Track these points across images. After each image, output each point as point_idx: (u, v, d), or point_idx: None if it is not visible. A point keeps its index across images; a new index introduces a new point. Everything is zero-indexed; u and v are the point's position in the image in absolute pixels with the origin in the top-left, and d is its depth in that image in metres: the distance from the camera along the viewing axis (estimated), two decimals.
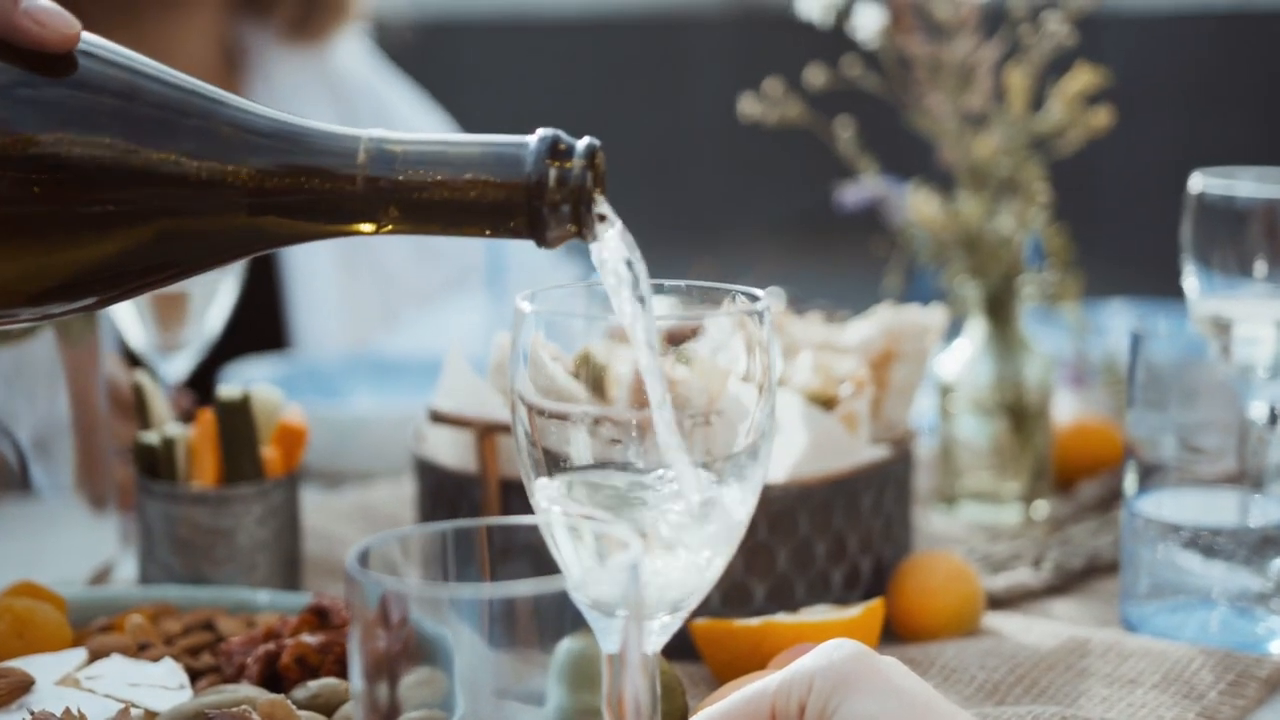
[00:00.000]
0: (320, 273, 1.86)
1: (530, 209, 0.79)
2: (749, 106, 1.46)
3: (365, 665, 0.65)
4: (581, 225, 0.79)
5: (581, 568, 0.73)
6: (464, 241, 1.90)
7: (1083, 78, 1.44)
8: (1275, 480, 1.19)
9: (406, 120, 1.97)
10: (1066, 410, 1.62)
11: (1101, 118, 1.45)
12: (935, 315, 1.31)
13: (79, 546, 1.19)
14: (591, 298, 0.87)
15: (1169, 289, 1.63)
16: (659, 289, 0.85)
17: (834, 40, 1.47)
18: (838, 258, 1.53)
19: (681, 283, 0.87)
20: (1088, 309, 1.76)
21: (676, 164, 5.65)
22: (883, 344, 1.27)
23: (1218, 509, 1.18)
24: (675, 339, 0.85)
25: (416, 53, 2.29)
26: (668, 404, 0.80)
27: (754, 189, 5.49)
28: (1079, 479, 1.51)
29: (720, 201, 5.60)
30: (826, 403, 1.20)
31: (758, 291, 0.84)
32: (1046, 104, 1.45)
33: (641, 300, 0.81)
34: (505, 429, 1.10)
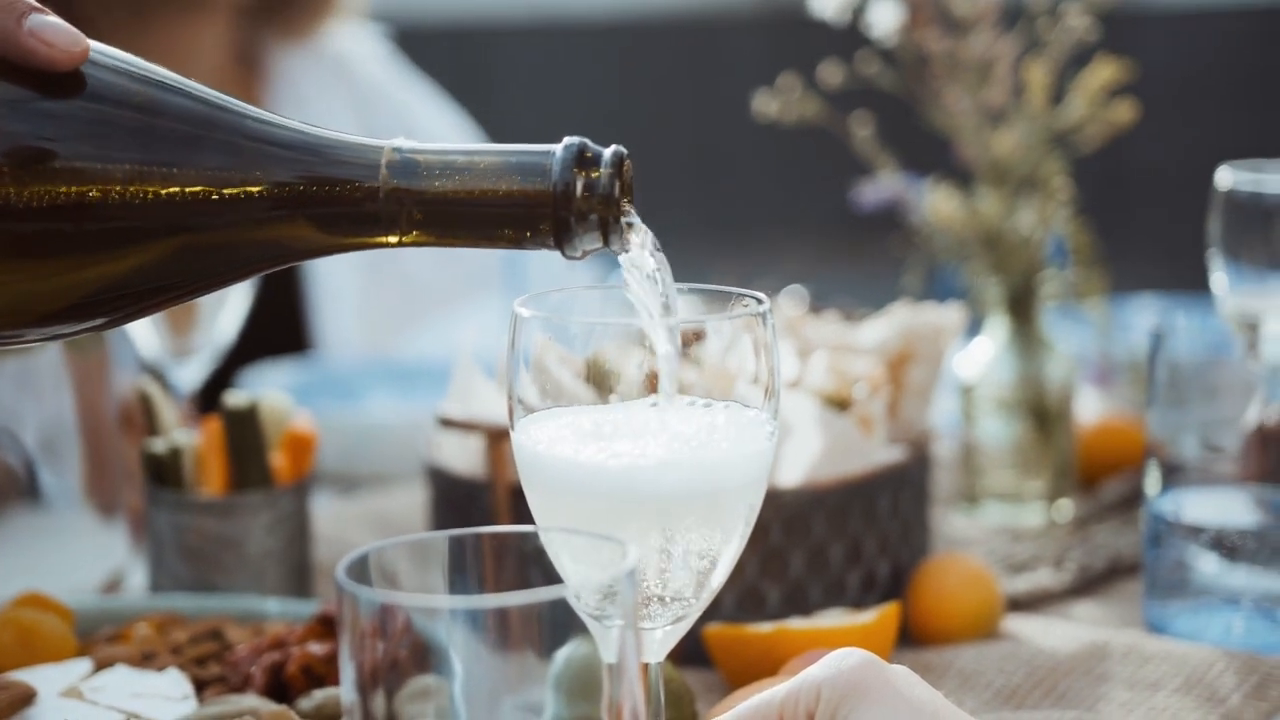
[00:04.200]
0: (340, 275, 1.85)
1: (557, 218, 0.77)
2: (765, 105, 1.45)
3: (357, 678, 0.64)
4: (609, 235, 0.78)
5: (580, 576, 0.72)
6: None
7: (1104, 72, 1.42)
8: None
9: (427, 124, 1.96)
10: (1091, 409, 1.61)
11: (1124, 112, 1.43)
12: (952, 315, 1.29)
13: (88, 554, 1.19)
14: (591, 302, 0.86)
15: (1197, 283, 1.61)
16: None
17: (863, 40, 1.46)
18: (867, 257, 1.52)
19: (696, 286, 0.85)
20: (1114, 305, 1.74)
21: (710, 165, 5.64)
22: (899, 344, 1.26)
23: (1240, 509, 1.17)
24: (683, 342, 0.84)
25: (448, 58, 2.29)
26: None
27: (788, 188, 5.47)
28: (1104, 478, 1.50)
29: (754, 202, 5.59)
30: (841, 404, 1.19)
31: (761, 295, 0.83)
32: (1067, 99, 1.43)
33: (666, 308, 0.80)
34: None
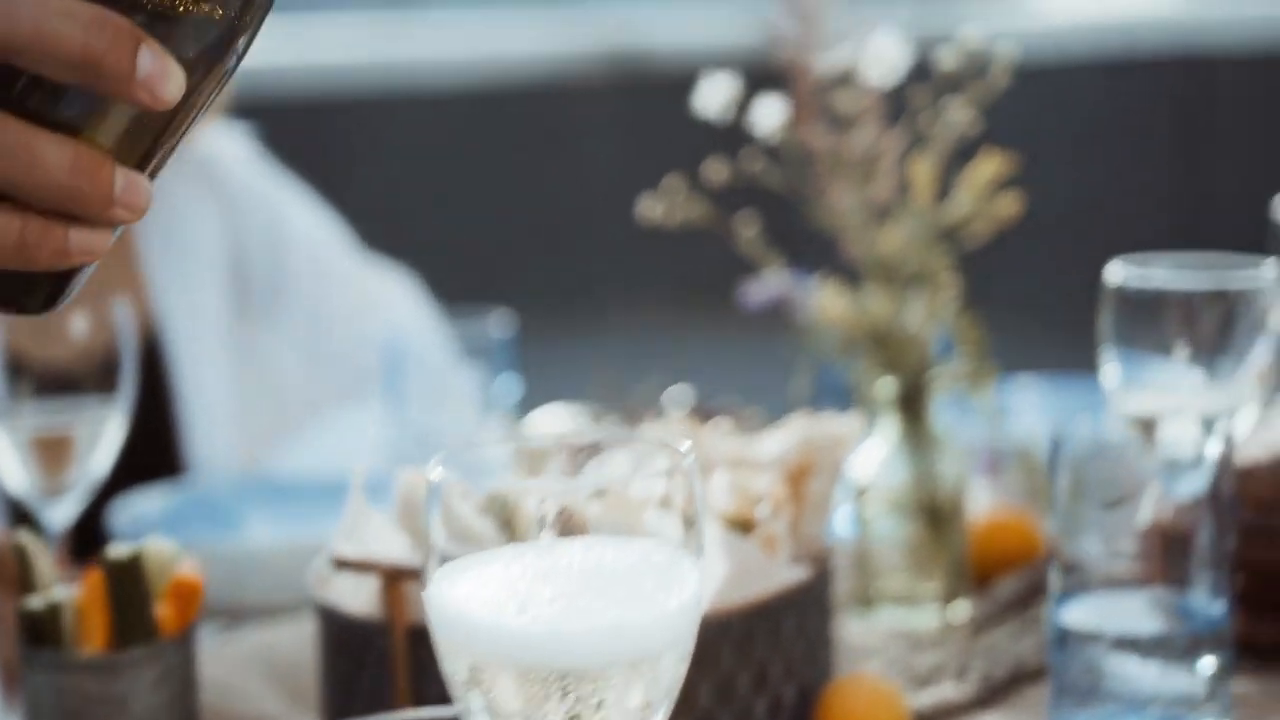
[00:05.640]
0: (210, 389, 1.79)
1: None
2: (650, 209, 1.42)
3: None
4: None
5: None
6: (358, 347, 1.86)
7: (989, 166, 1.41)
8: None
9: (299, 225, 1.91)
10: (982, 501, 1.59)
11: (1009, 205, 1.42)
12: (850, 423, 1.27)
13: None
14: (505, 457, 0.83)
15: (1076, 360, 1.61)
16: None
17: (742, 134, 1.44)
18: (738, 317, 1.51)
19: (603, 430, 0.82)
20: (997, 387, 1.74)
21: (570, 231, 5.61)
22: (798, 457, 1.24)
23: (1143, 612, 1.16)
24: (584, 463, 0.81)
25: (302, 134, 2.25)
26: None
27: (650, 254, 5.46)
28: (998, 574, 1.48)
29: (616, 268, 5.57)
30: (744, 525, 1.16)
31: (685, 446, 0.80)
32: (953, 193, 1.42)
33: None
34: (414, 574, 1.05)
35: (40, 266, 0.67)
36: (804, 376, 1.49)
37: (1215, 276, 1.29)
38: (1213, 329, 1.28)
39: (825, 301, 1.43)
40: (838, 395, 1.58)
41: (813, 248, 1.49)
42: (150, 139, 0.67)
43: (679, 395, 1.58)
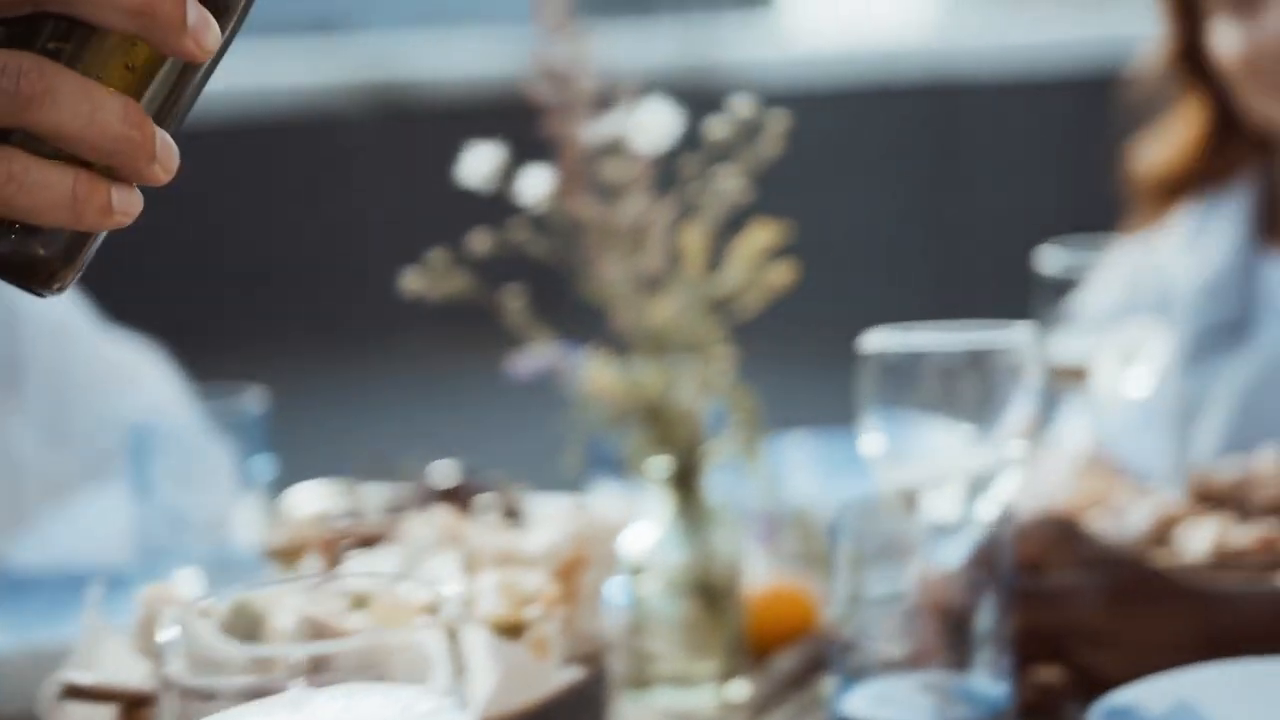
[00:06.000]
0: None
1: None
2: (413, 282, 1.36)
3: None
4: None
5: None
6: (104, 424, 1.75)
7: (760, 235, 1.38)
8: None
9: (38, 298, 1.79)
10: (759, 570, 1.56)
11: (782, 274, 1.38)
12: (621, 509, 1.23)
13: None
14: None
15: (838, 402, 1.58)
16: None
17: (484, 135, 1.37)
18: (508, 389, 1.45)
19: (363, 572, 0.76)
20: (768, 447, 1.71)
21: (341, 258, 5.49)
22: (570, 551, 1.18)
23: (921, 697, 1.14)
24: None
25: None
26: None
27: (419, 320, 5.36)
28: (776, 647, 1.45)
29: (385, 294, 5.48)
30: (514, 629, 1.10)
31: (453, 594, 0.74)
32: (724, 264, 1.38)
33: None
34: (153, 700, 0.97)
35: (84, 224, 0.70)
36: (575, 450, 1.43)
37: (971, 339, 1.26)
38: (972, 392, 1.26)
39: (594, 374, 1.38)
40: (610, 467, 1.53)
41: (586, 317, 1.44)
42: (178, 97, 0.72)
43: (445, 470, 1.52)
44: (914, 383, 1.25)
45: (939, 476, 1.25)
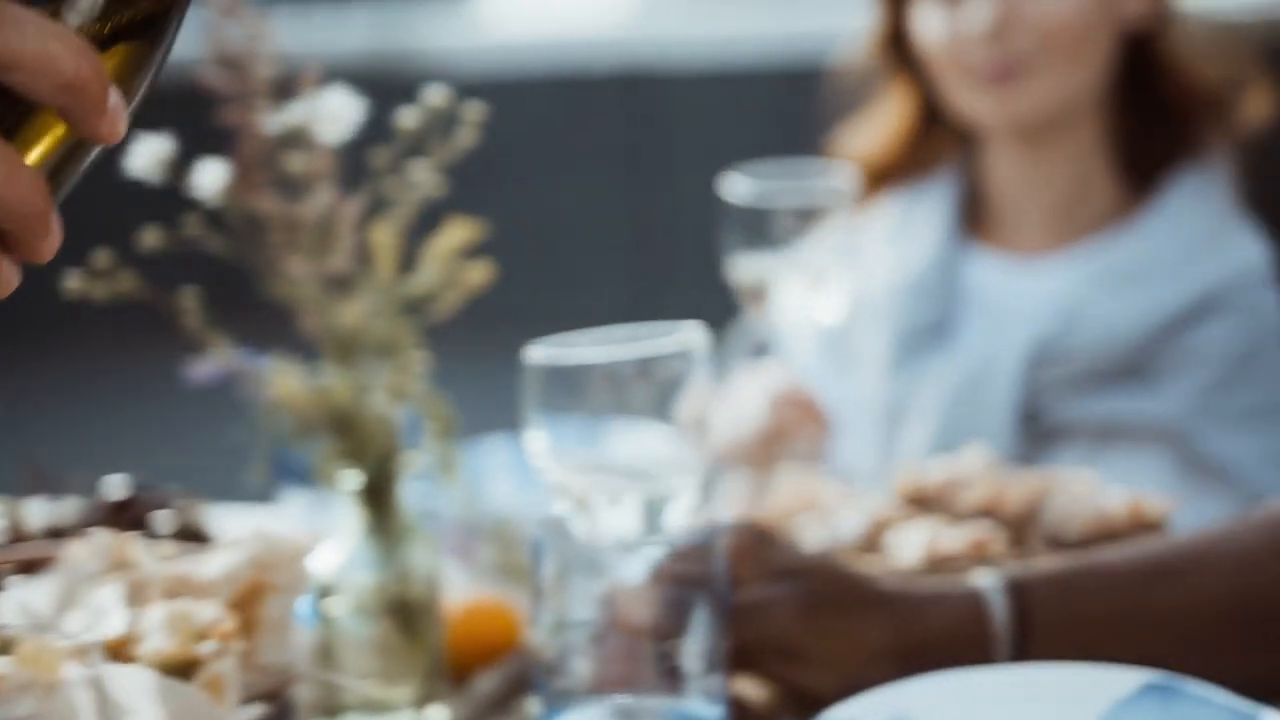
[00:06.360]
0: None
1: None
2: (74, 282, 1.24)
3: None
4: None
5: None
6: None
7: (456, 234, 1.30)
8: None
9: None
10: (456, 585, 1.48)
11: (478, 273, 1.31)
12: (308, 533, 1.14)
13: None
14: None
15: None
16: None
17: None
18: (185, 396, 1.36)
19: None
20: (466, 450, 1.63)
21: None
22: (249, 578, 1.09)
23: None
24: None
25: None
26: None
27: (94, 327, 5.10)
28: (477, 666, 1.38)
29: (48, 292, 5.23)
30: (185, 667, 1.00)
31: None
32: (418, 263, 1.30)
33: None
34: None
35: None
36: (261, 461, 1.33)
37: (639, 346, 1.20)
38: (642, 397, 1.19)
39: (279, 380, 1.28)
40: (299, 479, 1.44)
41: (272, 320, 1.34)
42: (71, 176, 0.70)
43: (117, 485, 1.41)
44: (581, 392, 1.18)
45: (613, 491, 1.17)
